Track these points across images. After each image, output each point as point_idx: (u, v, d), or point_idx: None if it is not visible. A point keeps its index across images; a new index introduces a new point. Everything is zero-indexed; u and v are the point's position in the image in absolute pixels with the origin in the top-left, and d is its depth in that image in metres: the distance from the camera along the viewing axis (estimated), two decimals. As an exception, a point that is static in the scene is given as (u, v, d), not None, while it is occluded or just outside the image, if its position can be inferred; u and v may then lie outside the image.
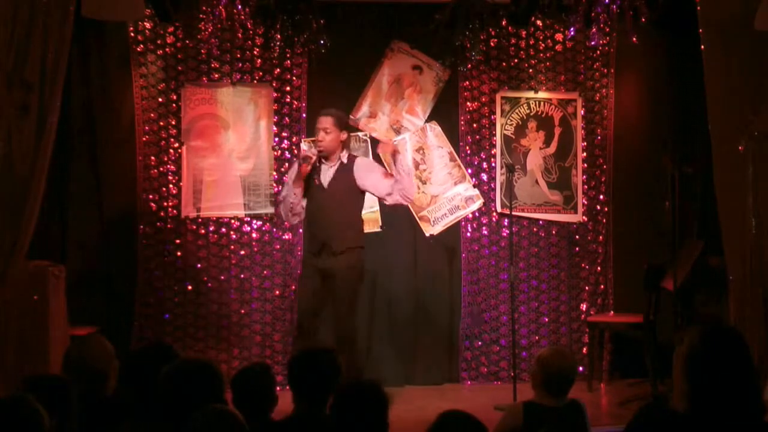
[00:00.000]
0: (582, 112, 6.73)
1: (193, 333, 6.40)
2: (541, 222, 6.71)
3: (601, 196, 6.74)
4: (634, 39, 5.99)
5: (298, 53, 6.33)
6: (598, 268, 6.71)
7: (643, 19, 5.84)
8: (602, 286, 6.71)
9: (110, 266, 6.41)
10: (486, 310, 6.62)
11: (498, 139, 6.66)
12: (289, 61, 6.44)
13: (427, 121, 6.61)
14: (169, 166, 6.43)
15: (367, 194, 5.70)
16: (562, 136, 6.72)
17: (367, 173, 5.62)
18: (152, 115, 6.41)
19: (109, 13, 5.06)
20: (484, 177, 6.68)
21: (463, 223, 6.61)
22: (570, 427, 3.68)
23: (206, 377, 2.95)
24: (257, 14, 6.02)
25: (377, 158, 6.43)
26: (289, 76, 6.49)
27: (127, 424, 3.04)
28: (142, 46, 6.37)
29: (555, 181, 6.71)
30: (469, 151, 6.65)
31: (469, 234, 6.64)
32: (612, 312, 6.63)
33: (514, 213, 6.26)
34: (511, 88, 6.70)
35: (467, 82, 6.62)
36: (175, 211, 6.42)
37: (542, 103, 6.72)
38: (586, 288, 6.71)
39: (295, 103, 6.50)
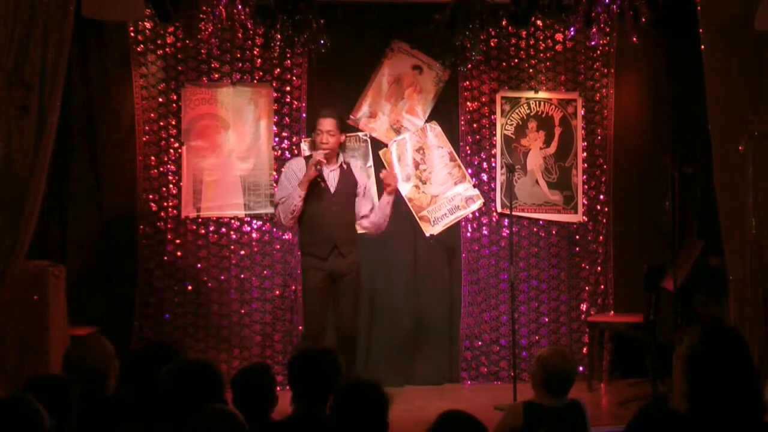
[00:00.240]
0: (582, 112, 6.73)
1: (193, 333, 6.40)
2: (541, 222, 6.71)
3: (601, 196, 6.74)
4: (634, 39, 5.98)
5: (298, 53, 6.32)
6: (598, 268, 6.71)
7: (643, 19, 5.84)
8: (602, 286, 6.71)
9: (110, 266, 6.41)
10: (486, 309, 6.62)
11: (498, 139, 6.65)
12: (289, 61, 6.44)
13: (427, 121, 6.60)
14: (169, 166, 6.43)
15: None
16: (562, 136, 6.72)
17: (365, 179, 5.79)
18: (152, 115, 6.41)
19: (109, 13, 5.06)
20: (484, 177, 6.67)
21: (463, 223, 6.60)
22: (570, 427, 3.68)
23: (206, 377, 2.95)
24: (257, 14, 6.01)
25: (377, 158, 6.45)
26: (289, 76, 6.49)
27: (127, 424, 3.04)
28: (142, 46, 6.37)
29: (555, 181, 6.71)
30: (469, 151, 6.65)
31: (469, 234, 6.63)
32: (612, 312, 6.63)
33: (514, 213, 6.25)
34: (511, 88, 6.70)
35: (467, 82, 6.62)
36: (175, 211, 6.42)
37: (542, 103, 6.72)
38: (586, 288, 6.71)
39: (295, 103, 6.50)
